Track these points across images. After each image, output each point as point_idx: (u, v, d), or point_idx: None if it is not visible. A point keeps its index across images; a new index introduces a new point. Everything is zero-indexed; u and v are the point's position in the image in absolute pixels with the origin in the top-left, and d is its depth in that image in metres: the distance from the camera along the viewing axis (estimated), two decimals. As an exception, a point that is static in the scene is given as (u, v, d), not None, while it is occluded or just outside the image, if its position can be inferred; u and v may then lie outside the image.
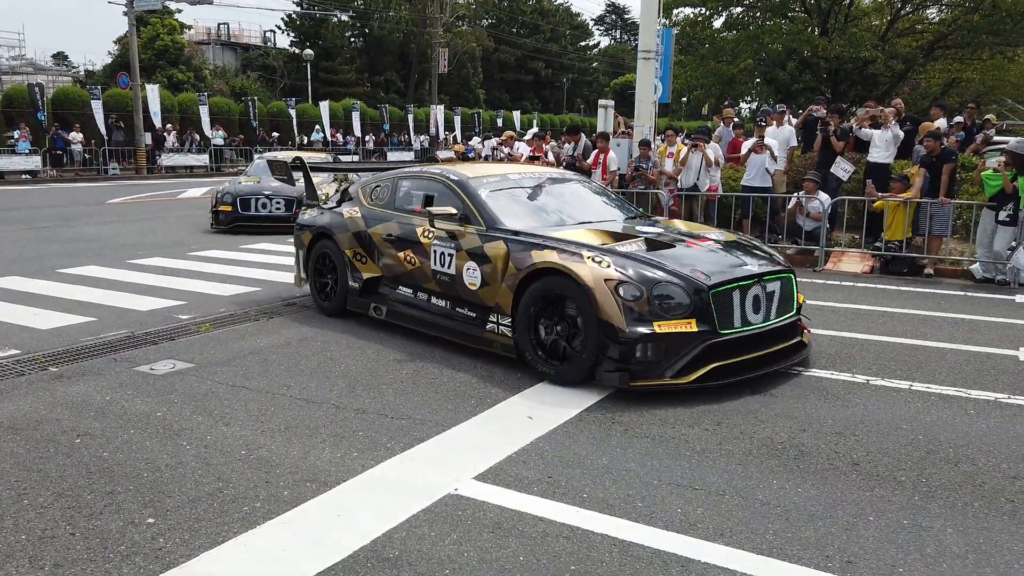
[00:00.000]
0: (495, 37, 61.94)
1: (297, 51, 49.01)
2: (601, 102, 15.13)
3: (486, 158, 16.98)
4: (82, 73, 48.84)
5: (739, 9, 22.28)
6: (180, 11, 42.08)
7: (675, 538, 3.34)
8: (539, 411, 4.88)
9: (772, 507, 3.63)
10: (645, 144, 11.99)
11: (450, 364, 5.87)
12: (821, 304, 8.04)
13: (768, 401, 5.06)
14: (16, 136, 26.40)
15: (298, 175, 8.31)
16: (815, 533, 3.39)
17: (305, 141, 35.98)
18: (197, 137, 31.36)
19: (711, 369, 5.09)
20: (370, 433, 4.50)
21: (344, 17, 52.30)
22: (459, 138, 39.67)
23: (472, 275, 5.98)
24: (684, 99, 35.08)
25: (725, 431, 4.55)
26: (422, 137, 41.04)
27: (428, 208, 6.22)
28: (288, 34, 51.80)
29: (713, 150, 11.48)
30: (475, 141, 19.53)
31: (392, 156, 37.18)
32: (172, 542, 3.29)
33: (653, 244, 5.76)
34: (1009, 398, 5.12)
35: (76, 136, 28.10)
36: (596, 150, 12.13)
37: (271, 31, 53.84)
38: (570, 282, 5.24)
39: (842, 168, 11.02)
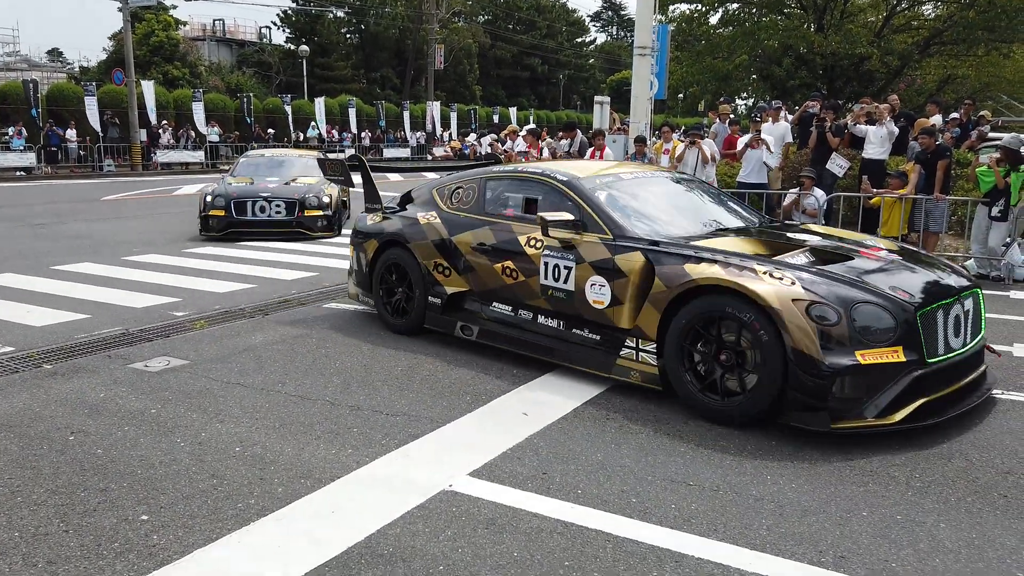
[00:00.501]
0: (491, 33, 61.88)
1: (293, 47, 48.96)
2: (597, 98, 15.12)
3: (482, 155, 16.98)
4: (77, 69, 48.68)
5: (735, 5, 22.31)
6: (175, 7, 42.10)
7: (669, 534, 3.34)
8: (534, 407, 4.88)
9: (766, 502, 3.63)
10: (640, 141, 11.99)
11: (445, 360, 5.87)
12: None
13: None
14: (11, 133, 26.32)
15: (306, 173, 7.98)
16: (808, 528, 3.40)
17: (301, 138, 35.93)
18: (193, 134, 31.29)
19: (919, 406, 4.32)
20: (365, 430, 4.50)
21: (340, 13, 52.24)
22: (454, 135, 39.66)
23: (598, 292, 5.17)
24: (680, 95, 35.09)
25: (719, 428, 4.55)
26: (418, 134, 40.99)
27: (540, 214, 5.40)
28: (284, 30, 51.76)
29: (708, 146, 11.47)
30: (471, 138, 19.50)
31: (388, 153, 37.19)
32: (166, 539, 3.29)
33: (823, 255, 4.95)
34: (1003, 393, 5.13)
35: (71, 133, 28.03)
36: (592, 147, 12.12)
37: (267, 27, 53.85)
38: (743, 303, 4.42)
39: (837, 164, 11.03)
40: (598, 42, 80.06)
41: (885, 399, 4.25)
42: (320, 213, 12.39)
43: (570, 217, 5.41)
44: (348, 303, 7.72)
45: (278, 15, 50.71)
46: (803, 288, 4.37)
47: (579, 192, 5.63)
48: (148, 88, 30.14)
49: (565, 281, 5.39)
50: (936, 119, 11.86)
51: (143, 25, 38.09)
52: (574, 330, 5.42)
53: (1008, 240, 9.19)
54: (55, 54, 59.89)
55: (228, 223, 12.15)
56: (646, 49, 12.58)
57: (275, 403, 4.94)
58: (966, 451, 4.22)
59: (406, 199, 7.05)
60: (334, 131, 37.83)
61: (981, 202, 9.39)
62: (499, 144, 15.40)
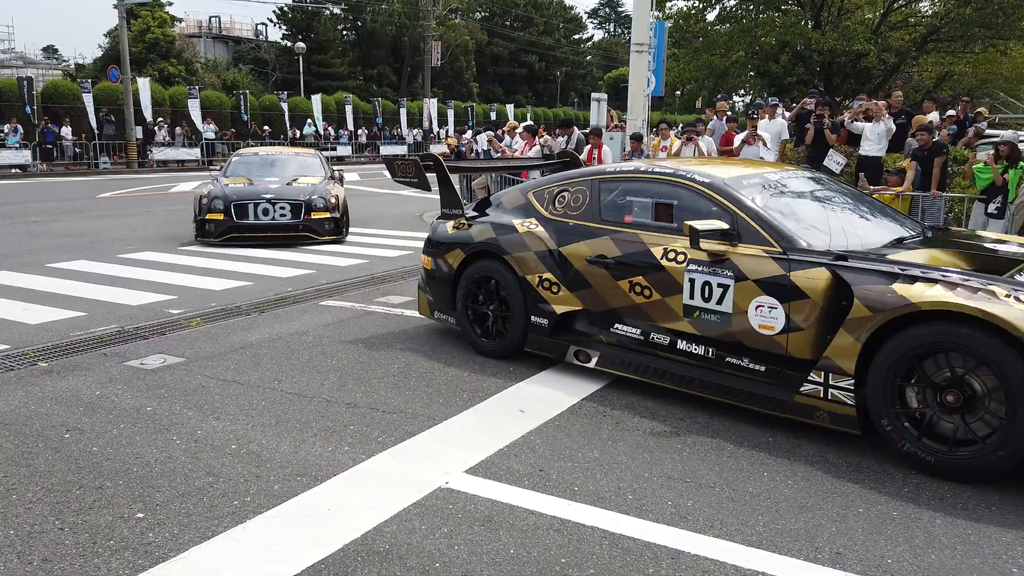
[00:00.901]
0: (488, 30, 61.82)
1: (289, 44, 48.78)
2: (594, 95, 15.13)
3: (479, 153, 16.92)
4: (72, 66, 48.55)
5: (732, 2, 22.27)
6: (171, 4, 41.94)
7: (665, 530, 3.34)
8: (530, 405, 4.88)
9: (762, 499, 3.64)
10: (637, 138, 11.99)
11: (441, 359, 5.86)
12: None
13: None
14: (6, 130, 26.24)
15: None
16: (804, 525, 3.40)
17: (298, 135, 35.87)
18: (183, 131, 31.11)
19: None
20: (361, 427, 4.49)
21: (336, 10, 52.14)
22: (451, 132, 39.60)
23: (767, 315, 4.42)
24: (677, 92, 35.10)
25: (716, 424, 4.56)
26: (415, 131, 40.96)
27: (688, 223, 4.61)
28: (280, 27, 51.61)
29: (706, 143, 11.47)
30: (468, 135, 19.47)
31: (385, 150, 37.13)
32: (162, 536, 3.28)
33: None
34: (999, 390, 5.14)
35: (66, 130, 27.95)
36: (588, 145, 12.11)
37: (263, 24, 53.67)
38: (981, 332, 3.69)
39: (835, 161, 11.04)
40: (595, 39, 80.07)
41: None
42: (327, 215, 11.53)
43: (724, 226, 4.62)
44: (344, 301, 7.72)
45: (274, 12, 50.59)
46: None
47: (728, 196, 4.82)
48: (144, 85, 30.04)
49: (719, 301, 4.62)
50: (933, 116, 11.86)
51: (138, 22, 38.00)
52: (729, 359, 4.67)
53: (1004, 237, 9.20)
54: (50, 51, 59.71)
55: (228, 227, 11.20)
56: (643, 46, 12.58)
57: (271, 401, 4.93)
58: (962, 447, 4.22)
59: (484, 204, 6.38)
60: (331, 128, 37.78)
61: (977, 199, 9.39)
62: (498, 141, 15.31)
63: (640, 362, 5.09)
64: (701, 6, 22.16)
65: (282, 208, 11.30)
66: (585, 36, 76.74)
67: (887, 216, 5.40)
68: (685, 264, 4.80)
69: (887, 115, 10.92)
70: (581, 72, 72.03)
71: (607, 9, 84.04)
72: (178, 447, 4.20)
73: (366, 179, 25.23)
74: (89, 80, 30.20)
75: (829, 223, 4.86)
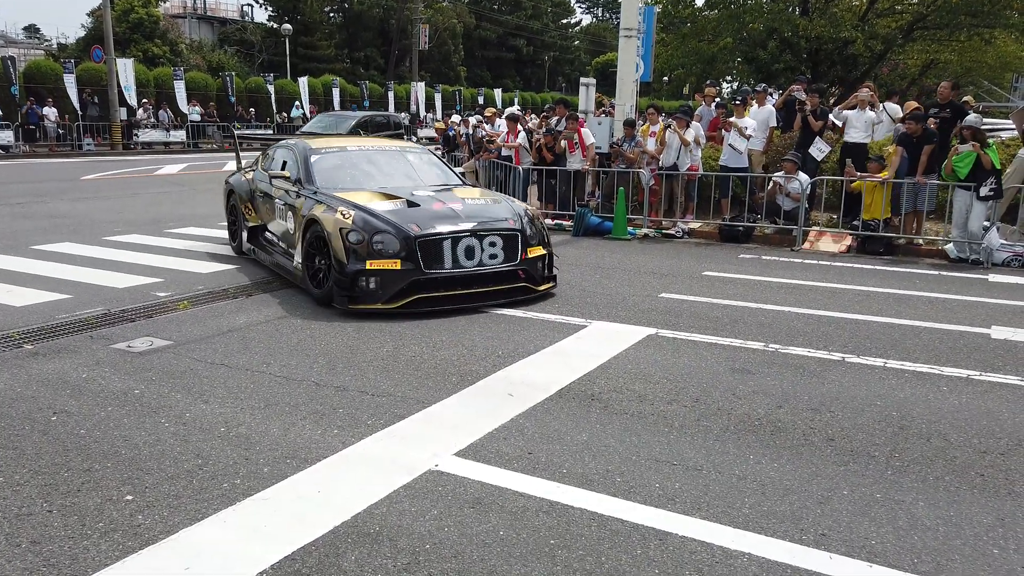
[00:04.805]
0: (476, 14, 61.43)
1: (275, 26, 48.34)
2: (583, 80, 15.07)
3: (467, 136, 16.84)
4: (55, 46, 47.86)
5: (721, -12, 22.21)
6: (155, -17, 41.27)
7: (653, 512, 3.38)
8: (519, 388, 4.90)
9: (748, 482, 3.68)
10: (630, 124, 11.98)
11: (430, 343, 5.87)
12: (799, 283, 8.12)
13: (745, 378, 5.11)
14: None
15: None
16: (790, 507, 3.45)
17: (285, 118, 35.58)
18: (170, 114, 30.75)
19: None
20: (351, 410, 4.50)
21: (323, -9, 51.60)
22: (439, 116, 39.40)
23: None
24: (666, 78, 35.02)
25: (703, 407, 4.60)
26: (403, 114, 40.70)
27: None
28: (266, 8, 51.15)
29: (694, 129, 11.49)
30: (456, 119, 19.36)
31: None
32: (151, 519, 3.28)
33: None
34: (981, 375, 5.22)
35: (50, 111, 27.58)
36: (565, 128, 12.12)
37: (248, 5, 53.15)
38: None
39: (818, 148, 11.09)
40: (584, 23, 79.78)
41: None
42: (541, 251, 7.29)
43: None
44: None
45: (260, -7, 50.07)
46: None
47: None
48: (127, 66, 29.66)
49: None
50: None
51: (122, 2, 37.48)
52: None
53: (986, 223, 9.29)
54: (32, 30, 58.90)
55: (414, 283, 6.59)
56: (632, 31, 12.56)
57: (260, 384, 4.92)
58: (945, 431, 4.28)
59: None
60: (317, 111, 37.48)
61: (959, 186, 9.45)
62: (486, 126, 15.23)
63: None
64: (690, -9, 22.11)
65: (492, 243, 6.90)
66: (573, 21, 76.44)
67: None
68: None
69: (881, 107, 11.00)
70: (569, 57, 71.78)
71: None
72: (167, 430, 4.19)
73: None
74: (72, 60, 29.76)
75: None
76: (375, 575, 2.91)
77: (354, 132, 18.91)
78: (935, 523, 3.33)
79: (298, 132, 21.79)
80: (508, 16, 63.98)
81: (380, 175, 8.09)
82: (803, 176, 10.52)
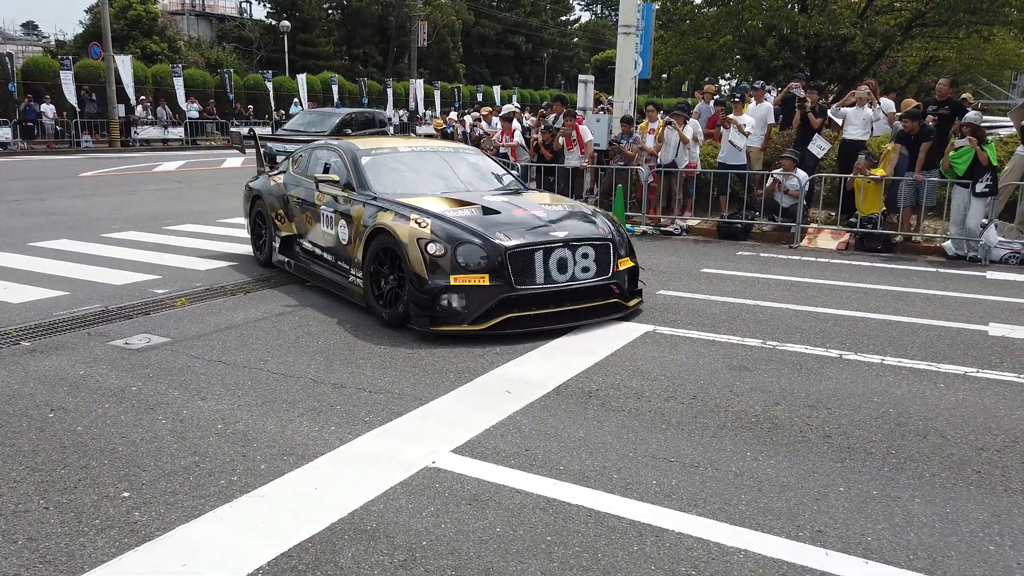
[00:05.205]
0: (475, 10, 61.34)
1: (274, 22, 48.24)
2: (581, 77, 15.06)
3: (464, 134, 16.84)
4: (53, 43, 47.76)
5: (719, -15, 22.19)
6: (153, -20, 41.20)
7: (650, 509, 3.38)
8: (517, 385, 4.90)
9: (745, 478, 3.68)
10: (627, 121, 11.97)
11: (428, 340, 5.87)
12: (797, 280, 8.13)
13: (743, 375, 5.12)
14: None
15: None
16: (786, 504, 3.45)
17: (284, 116, 35.54)
18: (168, 111, 30.71)
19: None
20: (348, 407, 4.50)
21: (321, -12, 51.51)
22: (437, 113, 39.36)
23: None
24: (664, 75, 34.98)
25: (700, 404, 4.60)
26: (401, 112, 40.67)
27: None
28: (264, 5, 51.05)
29: (692, 126, 11.48)
30: (453, 115, 19.35)
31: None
32: (148, 515, 3.28)
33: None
34: (978, 372, 5.22)
35: (48, 108, 27.53)
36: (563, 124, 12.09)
37: (247, 1, 53.07)
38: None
39: (817, 145, 11.09)
40: (582, 21, 79.69)
41: None
42: (630, 263, 6.69)
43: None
44: (330, 281, 7.69)
45: (259, -11, 49.97)
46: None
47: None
48: (126, 63, 29.60)
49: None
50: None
51: (120, -2, 37.40)
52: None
53: (984, 221, 9.30)
54: (30, 27, 58.76)
55: (504, 301, 5.87)
56: (631, 28, 12.54)
57: (258, 381, 4.92)
58: (941, 428, 4.29)
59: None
60: (317, 108, 37.42)
61: (957, 183, 9.46)
62: (483, 124, 15.21)
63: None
64: (689, -12, 22.09)
65: (584, 254, 6.19)
66: (572, 18, 76.35)
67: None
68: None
69: (878, 104, 10.99)
70: (568, 54, 71.70)
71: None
72: (164, 427, 4.19)
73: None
74: (70, 57, 29.68)
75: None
76: (372, 571, 2.91)
77: (338, 129, 18.68)
78: (931, 519, 3.33)
79: (281, 129, 21.15)
80: (507, 13, 63.90)
81: (438, 178, 7.29)
82: (801, 173, 10.52)
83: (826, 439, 4.14)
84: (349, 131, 18.81)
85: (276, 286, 7.57)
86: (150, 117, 29.92)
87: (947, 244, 9.66)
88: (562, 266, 6.06)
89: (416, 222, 6.03)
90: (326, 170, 7.39)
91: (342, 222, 6.84)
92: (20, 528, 3.18)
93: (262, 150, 9.67)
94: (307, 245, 7.59)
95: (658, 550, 3.07)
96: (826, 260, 9.41)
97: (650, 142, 11.78)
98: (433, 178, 7.30)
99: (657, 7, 20.54)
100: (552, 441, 4.08)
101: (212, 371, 5.09)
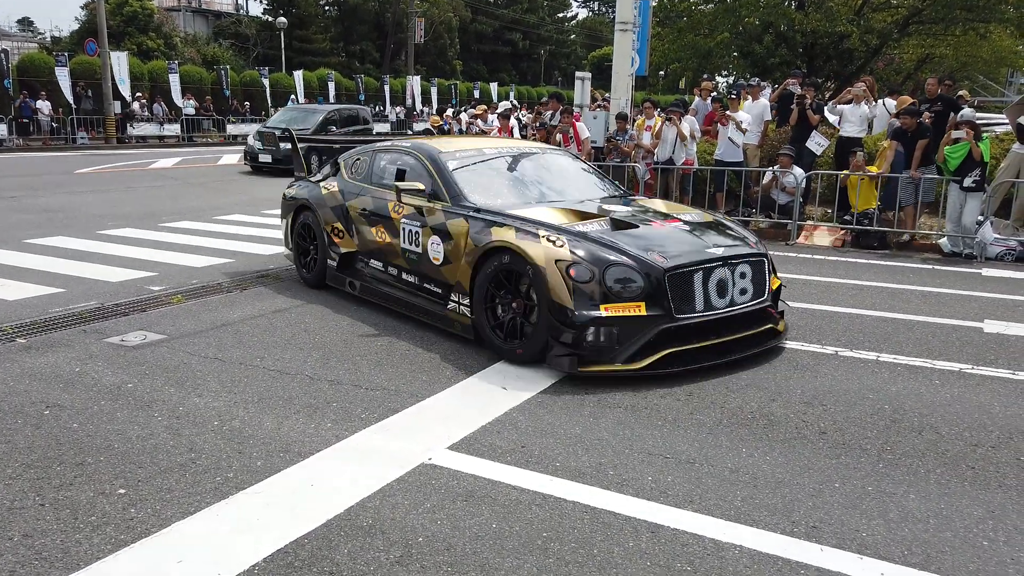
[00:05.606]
0: (472, 7, 61.24)
1: (270, 19, 48.14)
2: (578, 74, 15.04)
3: (461, 132, 16.81)
4: (48, 39, 47.63)
5: (717, -18, 22.21)
6: (149, -24, 41.11)
7: (645, 505, 3.39)
8: (513, 382, 4.90)
9: (740, 474, 3.69)
10: (623, 117, 11.97)
11: (424, 337, 5.87)
12: (792, 277, 8.13)
13: (738, 372, 5.12)
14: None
15: None
16: (782, 500, 3.46)
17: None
18: (164, 108, 30.62)
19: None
20: (344, 404, 4.50)
21: (318, -15, 51.40)
22: (434, 111, 39.31)
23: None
24: (661, 72, 34.99)
25: (696, 401, 4.61)
26: (398, 108, 40.63)
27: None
28: (261, 1, 51.02)
29: (690, 123, 11.49)
30: (450, 112, 19.34)
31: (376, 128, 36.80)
32: (144, 512, 3.28)
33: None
34: (973, 368, 5.23)
35: (44, 104, 27.45)
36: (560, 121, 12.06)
37: (243, -2, 52.83)
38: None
39: (816, 142, 11.11)
40: (580, 17, 79.65)
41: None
42: (777, 281, 5.98)
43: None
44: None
45: (255, -14, 49.88)
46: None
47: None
48: (122, 59, 29.51)
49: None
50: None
51: (116, -6, 37.30)
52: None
53: (980, 218, 9.32)
54: (26, 23, 58.60)
55: (662, 333, 4.97)
56: (628, 25, 12.53)
57: (254, 377, 4.92)
58: (936, 424, 4.30)
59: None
60: (298, 105, 37.32)
61: (952, 180, 9.47)
62: (479, 122, 15.20)
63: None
64: (686, -15, 22.10)
65: (742, 274, 5.36)
66: (569, 15, 76.33)
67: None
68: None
69: (875, 102, 11.00)
70: (565, 51, 71.66)
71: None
72: (160, 423, 4.19)
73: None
74: (66, 54, 29.58)
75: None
76: (368, 568, 2.91)
77: (323, 126, 18.52)
78: (926, 515, 3.34)
79: (263, 126, 20.46)
80: (504, 10, 63.81)
81: (539, 185, 6.40)
82: (798, 170, 10.53)
83: (821, 435, 4.15)
84: (333, 128, 18.64)
85: (272, 283, 7.56)
86: (146, 114, 29.83)
87: (943, 241, 9.68)
88: (721, 289, 5.15)
89: (549, 240, 5.07)
90: (400, 177, 6.34)
91: (434, 238, 5.82)
92: (16, 525, 3.18)
93: (299, 152, 8.29)
94: (376, 264, 6.58)
95: (654, 546, 3.08)
96: (822, 257, 9.42)
97: (646, 139, 11.79)
98: (534, 185, 6.42)
99: (654, 4, 20.55)
100: (548, 438, 4.08)
101: (208, 368, 5.09)
